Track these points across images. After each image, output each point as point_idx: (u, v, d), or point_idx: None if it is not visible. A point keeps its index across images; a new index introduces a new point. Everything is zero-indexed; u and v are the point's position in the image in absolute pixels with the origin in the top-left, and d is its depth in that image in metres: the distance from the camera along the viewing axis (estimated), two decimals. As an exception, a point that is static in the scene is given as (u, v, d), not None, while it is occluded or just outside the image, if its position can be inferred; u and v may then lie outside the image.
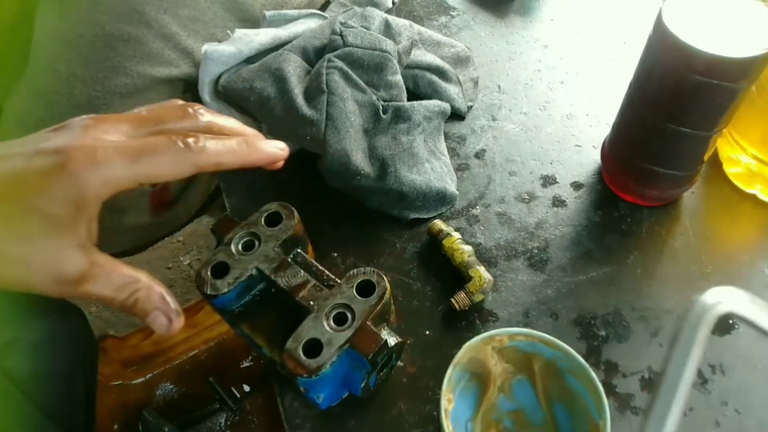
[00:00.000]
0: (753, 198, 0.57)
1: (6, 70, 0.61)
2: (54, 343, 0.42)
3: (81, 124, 0.30)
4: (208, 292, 0.38)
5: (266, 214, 0.42)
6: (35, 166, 0.28)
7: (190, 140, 0.31)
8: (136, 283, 0.32)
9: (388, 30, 0.58)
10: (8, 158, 0.29)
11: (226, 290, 0.39)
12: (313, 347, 0.36)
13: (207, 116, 0.35)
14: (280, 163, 0.39)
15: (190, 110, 0.34)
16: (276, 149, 0.38)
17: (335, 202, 0.58)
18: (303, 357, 0.36)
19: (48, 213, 0.28)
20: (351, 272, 0.40)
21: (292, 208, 0.43)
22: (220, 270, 0.40)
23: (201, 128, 0.34)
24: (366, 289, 0.39)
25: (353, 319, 0.38)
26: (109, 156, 0.28)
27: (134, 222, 0.71)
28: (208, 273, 0.39)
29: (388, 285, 0.40)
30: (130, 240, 0.74)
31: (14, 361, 0.39)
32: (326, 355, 0.36)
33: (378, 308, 0.39)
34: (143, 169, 0.29)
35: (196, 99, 0.65)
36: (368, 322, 0.38)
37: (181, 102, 0.35)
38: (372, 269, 0.40)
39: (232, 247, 0.41)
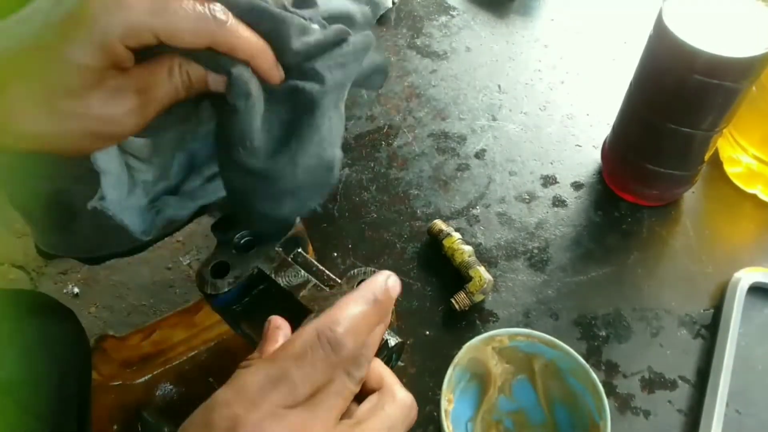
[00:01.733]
0: (753, 198, 0.57)
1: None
2: (43, 345, 0.41)
3: None
4: (209, 292, 0.38)
5: None
6: (58, 15, 0.28)
7: (218, 12, 0.30)
8: (180, 60, 0.31)
9: None
10: (35, 12, 0.28)
11: (226, 289, 0.39)
12: None
13: None
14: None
15: None
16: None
17: (335, 202, 0.58)
18: None
19: (81, 63, 0.27)
20: (351, 272, 0.40)
21: None
22: (221, 269, 0.40)
23: None
24: None
25: None
26: (132, 3, 0.28)
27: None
28: (209, 272, 0.39)
29: None
30: (130, 240, 0.74)
31: (1, 363, 0.38)
32: None
33: None
34: (163, 24, 0.29)
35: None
36: None
37: None
38: (372, 269, 0.40)
39: (233, 247, 0.41)
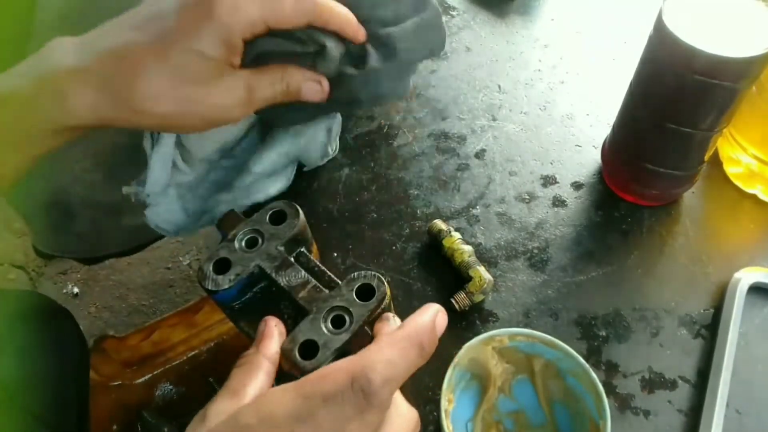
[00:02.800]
0: (753, 198, 0.57)
1: (6, 59, 0.61)
2: (41, 346, 0.42)
3: None
4: (209, 287, 0.39)
5: (271, 212, 0.42)
6: (187, 16, 0.33)
7: None
8: (283, 73, 0.38)
9: None
10: (160, 12, 0.33)
11: (226, 286, 0.39)
12: (310, 348, 0.36)
13: None
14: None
15: None
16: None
17: (336, 202, 0.58)
18: (298, 358, 0.36)
19: (208, 55, 0.33)
20: (352, 275, 0.40)
21: (298, 207, 0.43)
22: (222, 266, 0.40)
23: None
24: (366, 293, 0.39)
25: (351, 322, 0.38)
26: (248, 3, 0.33)
27: (131, 223, 0.71)
28: (210, 268, 0.39)
29: (388, 290, 0.40)
30: (129, 240, 0.74)
31: (0, 365, 0.38)
32: (322, 357, 0.36)
33: (377, 313, 0.38)
34: (272, 14, 0.34)
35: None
36: (366, 327, 0.38)
37: None
38: (373, 273, 0.40)
39: (236, 244, 0.41)
